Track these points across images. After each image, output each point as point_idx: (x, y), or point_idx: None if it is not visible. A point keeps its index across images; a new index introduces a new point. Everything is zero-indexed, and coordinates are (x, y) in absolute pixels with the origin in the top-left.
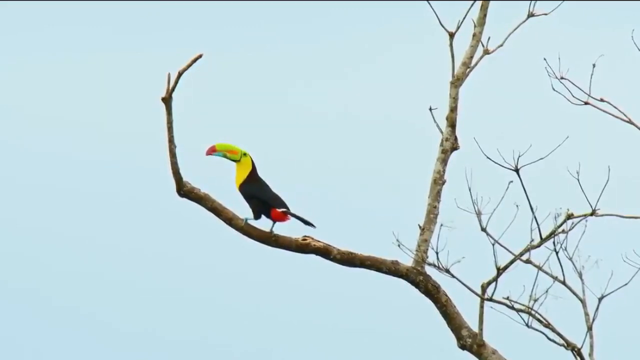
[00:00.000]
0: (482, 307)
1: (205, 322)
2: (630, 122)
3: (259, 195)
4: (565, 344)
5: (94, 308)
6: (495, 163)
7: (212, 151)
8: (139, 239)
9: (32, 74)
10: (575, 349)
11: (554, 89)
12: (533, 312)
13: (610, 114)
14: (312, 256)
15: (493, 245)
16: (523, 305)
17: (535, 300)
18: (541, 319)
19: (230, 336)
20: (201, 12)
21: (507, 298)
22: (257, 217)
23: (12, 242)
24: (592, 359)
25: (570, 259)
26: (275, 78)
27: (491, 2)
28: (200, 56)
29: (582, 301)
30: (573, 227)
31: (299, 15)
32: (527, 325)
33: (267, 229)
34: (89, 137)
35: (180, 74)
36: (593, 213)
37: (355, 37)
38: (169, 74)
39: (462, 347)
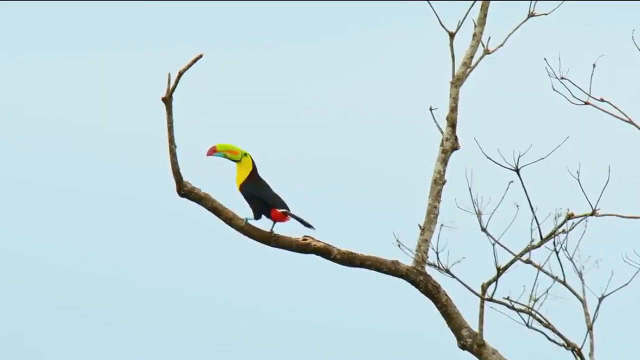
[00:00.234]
0: (482, 307)
1: (205, 322)
2: (630, 122)
3: (260, 196)
4: (566, 344)
5: (94, 308)
6: (496, 163)
7: (212, 152)
8: (139, 239)
9: (32, 74)
10: (576, 349)
11: (554, 89)
12: (533, 312)
13: (610, 114)
14: (312, 256)
15: (493, 245)
16: (523, 305)
17: (536, 300)
18: (541, 319)
19: (230, 336)
20: (201, 12)
21: (508, 298)
22: (257, 217)
23: (12, 241)
24: (592, 359)
25: (571, 259)
26: (276, 78)
27: (491, 2)
28: (200, 56)
29: (583, 301)
30: (573, 227)
31: (299, 15)
32: (527, 325)
33: (268, 229)
34: (89, 137)
35: (180, 74)
36: (593, 213)
37: (355, 37)
38: (169, 74)
39: (462, 347)
